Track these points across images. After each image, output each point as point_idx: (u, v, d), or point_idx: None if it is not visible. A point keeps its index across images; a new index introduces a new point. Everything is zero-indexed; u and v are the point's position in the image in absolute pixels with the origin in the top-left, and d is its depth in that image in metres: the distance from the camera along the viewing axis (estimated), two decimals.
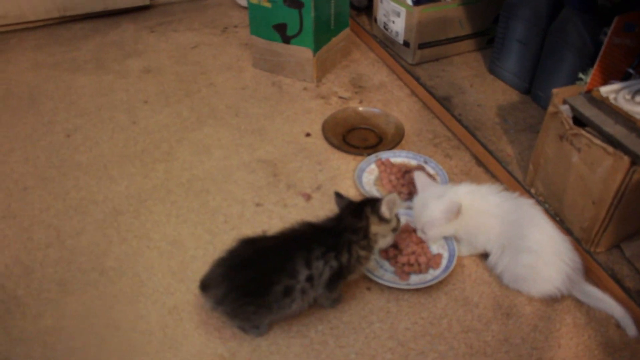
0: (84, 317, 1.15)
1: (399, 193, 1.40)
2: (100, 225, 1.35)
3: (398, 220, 1.16)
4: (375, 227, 1.12)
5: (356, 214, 1.12)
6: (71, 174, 1.51)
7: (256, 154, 1.58)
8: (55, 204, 1.41)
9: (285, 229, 1.11)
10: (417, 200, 1.25)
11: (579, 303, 1.17)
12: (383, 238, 1.14)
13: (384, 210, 1.11)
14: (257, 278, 1.03)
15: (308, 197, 1.43)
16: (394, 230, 1.15)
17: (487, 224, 1.20)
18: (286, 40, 1.82)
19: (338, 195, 1.17)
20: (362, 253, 1.10)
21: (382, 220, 1.12)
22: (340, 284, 1.11)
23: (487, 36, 1.98)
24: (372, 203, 1.13)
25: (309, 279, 1.04)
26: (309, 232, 1.10)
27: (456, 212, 1.18)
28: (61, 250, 1.29)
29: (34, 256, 1.28)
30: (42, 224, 1.36)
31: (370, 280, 1.21)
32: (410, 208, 1.33)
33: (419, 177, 1.28)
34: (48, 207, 1.40)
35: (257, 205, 1.41)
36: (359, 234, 1.10)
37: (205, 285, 1.07)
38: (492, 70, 1.86)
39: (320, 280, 1.06)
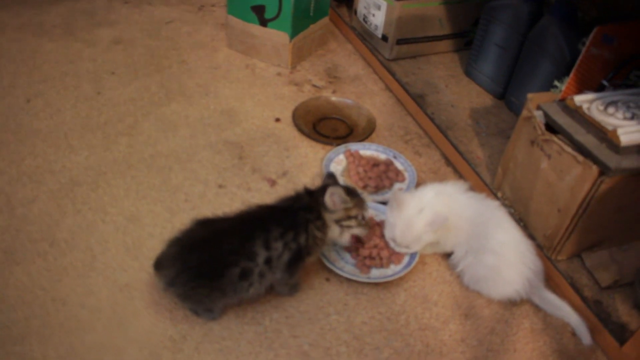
0: (29, 289, 1.09)
1: (365, 186, 1.38)
2: (54, 195, 1.30)
3: (356, 218, 1.13)
4: (324, 213, 1.10)
5: (311, 194, 1.11)
6: (28, 141, 1.44)
7: (223, 134, 1.54)
8: (8, 170, 1.35)
9: (241, 210, 1.08)
10: (399, 220, 1.17)
11: (537, 309, 1.17)
12: (330, 227, 1.11)
13: (326, 199, 1.09)
14: (211, 260, 1.00)
15: (273, 183, 1.40)
16: (340, 224, 1.12)
17: (457, 226, 1.18)
18: (263, 22, 1.78)
19: (330, 176, 1.16)
20: (318, 234, 1.08)
21: (325, 209, 1.10)
22: (299, 267, 1.08)
23: (465, 38, 1.97)
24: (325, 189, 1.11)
25: (268, 261, 1.02)
26: (265, 213, 1.07)
27: (442, 223, 1.15)
28: (10, 217, 1.23)
29: None
30: None
31: (330, 271, 1.18)
32: (378, 202, 1.31)
33: (395, 198, 1.18)
34: (1, 173, 1.34)
35: (220, 186, 1.37)
36: (313, 212, 1.08)
37: (159, 265, 1.03)
38: (468, 72, 1.85)
39: (279, 262, 1.03)
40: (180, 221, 1.22)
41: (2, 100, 1.56)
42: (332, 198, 1.08)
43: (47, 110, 1.55)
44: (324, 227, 1.10)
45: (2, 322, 1.03)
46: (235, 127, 1.57)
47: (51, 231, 1.21)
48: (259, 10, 1.76)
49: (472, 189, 1.24)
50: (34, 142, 1.44)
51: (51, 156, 1.40)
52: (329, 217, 1.11)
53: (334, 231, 1.12)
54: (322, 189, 1.11)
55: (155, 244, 1.17)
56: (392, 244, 1.19)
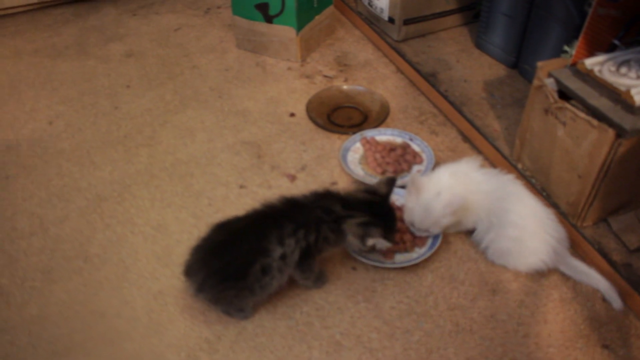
0: (69, 305, 1.14)
1: (384, 172, 1.39)
2: (83, 212, 1.34)
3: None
4: (348, 227, 1.08)
5: (335, 198, 1.10)
6: (54, 162, 1.49)
7: (240, 135, 1.56)
8: (38, 192, 1.40)
9: (256, 207, 1.09)
10: (417, 205, 1.17)
11: (565, 278, 1.17)
12: (350, 240, 1.09)
13: (368, 242, 1.07)
14: (233, 261, 1.02)
15: (293, 178, 1.41)
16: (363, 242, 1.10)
17: (476, 203, 1.19)
18: (269, 19, 1.79)
19: (390, 181, 1.14)
20: (331, 236, 1.07)
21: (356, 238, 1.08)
22: (311, 264, 1.09)
23: (473, 10, 1.95)
24: (364, 211, 1.08)
25: (283, 257, 1.03)
26: (280, 209, 1.08)
27: (460, 204, 1.15)
28: (45, 238, 1.28)
29: (17, 245, 1.26)
30: (25, 213, 1.34)
31: (356, 260, 1.20)
32: (398, 186, 1.32)
33: (412, 182, 1.19)
34: (31, 196, 1.39)
35: (241, 187, 1.39)
36: (331, 215, 1.07)
37: (187, 272, 1.06)
38: (479, 44, 1.84)
39: (291, 259, 1.05)
40: (206, 225, 1.24)
41: (26, 126, 1.61)
42: (375, 246, 1.08)
43: (68, 130, 1.59)
44: (340, 235, 1.08)
45: (47, 339, 1.08)
46: (250, 127, 1.59)
47: (84, 248, 1.25)
48: (263, 8, 1.77)
49: (487, 164, 1.23)
50: (59, 163, 1.48)
51: (76, 174, 1.44)
52: (352, 233, 1.09)
53: (353, 242, 1.10)
54: (359, 207, 1.08)
55: (184, 250, 1.20)
56: (411, 228, 1.20)
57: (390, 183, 1.13)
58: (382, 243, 1.08)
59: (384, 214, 1.10)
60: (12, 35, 2.04)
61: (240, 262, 1.02)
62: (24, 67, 1.88)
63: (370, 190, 1.13)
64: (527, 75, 1.66)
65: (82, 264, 1.22)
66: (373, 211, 1.08)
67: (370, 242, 1.07)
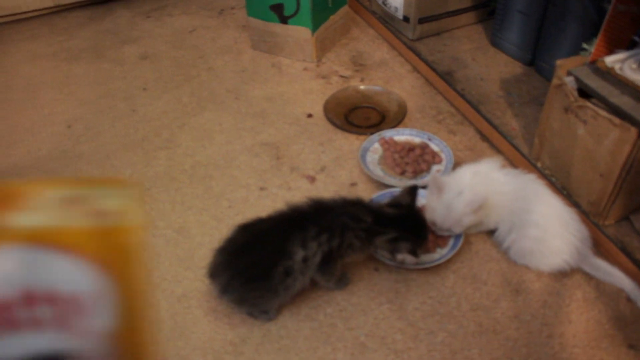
0: None
1: (403, 172, 1.39)
2: None
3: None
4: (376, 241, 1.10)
5: (370, 212, 1.09)
6: (73, 165, 1.50)
7: (258, 137, 1.57)
8: None
9: (281, 209, 1.10)
10: (439, 204, 1.18)
11: (588, 277, 1.17)
12: (379, 250, 1.14)
13: (397, 256, 1.14)
14: (257, 262, 1.03)
15: (312, 180, 1.42)
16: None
17: (498, 203, 1.18)
18: (283, 20, 1.80)
19: (413, 190, 1.14)
20: (356, 243, 1.07)
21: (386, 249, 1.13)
22: (332, 269, 1.09)
23: (488, 8, 1.94)
24: (396, 229, 1.08)
25: (305, 259, 1.03)
26: (305, 211, 1.08)
27: (482, 203, 1.15)
28: None
29: None
30: None
31: (378, 261, 1.20)
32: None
33: (434, 181, 1.20)
34: None
35: (261, 189, 1.40)
36: (359, 223, 1.07)
37: (211, 274, 1.07)
38: (494, 42, 1.83)
39: (313, 262, 1.04)
40: (227, 227, 1.25)
41: (45, 129, 1.62)
42: (404, 260, 1.13)
43: (87, 134, 1.60)
44: (366, 244, 1.09)
45: None
46: (268, 128, 1.59)
47: None
48: (277, 9, 1.78)
49: (506, 163, 1.24)
50: (79, 167, 1.49)
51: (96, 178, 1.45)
52: (383, 248, 1.12)
53: (382, 253, 1.15)
54: (391, 223, 1.09)
55: (206, 252, 1.21)
56: (433, 228, 1.20)
57: (413, 192, 1.13)
58: (410, 259, 1.13)
59: (414, 228, 1.11)
60: (28, 40, 2.05)
61: (263, 263, 1.02)
62: (41, 71, 1.89)
63: (395, 204, 1.13)
64: (544, 72, 1.65)
65: None
66: (404, 227, 1.09)
67: (400, 257, 1.12)
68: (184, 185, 1.42)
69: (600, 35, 1.24)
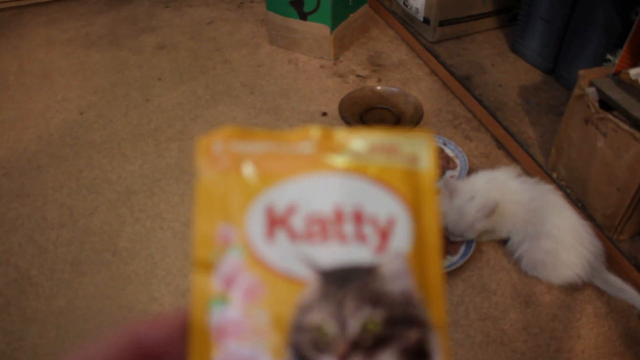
0: (97, 299, 1.14)
1: None
2: (113, 205, 1.34)
3: None
4: None
5: None
6: (84, 153, 1.49)
7: None
8: (68, 183, 1.40)
9: None
10: (450, 209, 1.16)
11: (599, 292, 1.14)
12: None
13: None
14: None
15: None
16: None
17: (512, 212, 1.16)
18: (303, 16, 1.78)
19: None
20: None
21: None
22: None
23: (510, 13, 1.92)
24: None
25: None
26: None
27: (493, 208, 1.13)
28: (74, 230, 1.28)
29: (47, 236, 1.27)
30: (55, 203, 1.35)
31: None
32: None
33: (446, 186, 1.18)
34: (61, 186, 1.39)
35: None
36: None
37: None
38: (515, 49, 1.80)
39: None
40: None
41: (57, 115, 1.62)
42: None
43: (99, 122, 1.60)
44: None
45: (75, 332, 1.08)
46: (282, 125, 1.58)
47: (113, 241, 1.26)
48: (297, 5, 1.76)
49: (524, 173, 1.21)
50: (90, 154, 1.49)
51: (107, 166, 1.45)
52: None
53: None
54: None
55: None
56: (445, 234, 1.18)
57: None
58: None
59: None
60: (45, 24, 2.05)
61: None
62: (57, 56, 1.88)
63: None
64: (564, 82, 1.63)
65: (111, 258, 1.22)
66: None
67: None
68: (194, 179, 1.41)
69: (625, 47, 1.22)
